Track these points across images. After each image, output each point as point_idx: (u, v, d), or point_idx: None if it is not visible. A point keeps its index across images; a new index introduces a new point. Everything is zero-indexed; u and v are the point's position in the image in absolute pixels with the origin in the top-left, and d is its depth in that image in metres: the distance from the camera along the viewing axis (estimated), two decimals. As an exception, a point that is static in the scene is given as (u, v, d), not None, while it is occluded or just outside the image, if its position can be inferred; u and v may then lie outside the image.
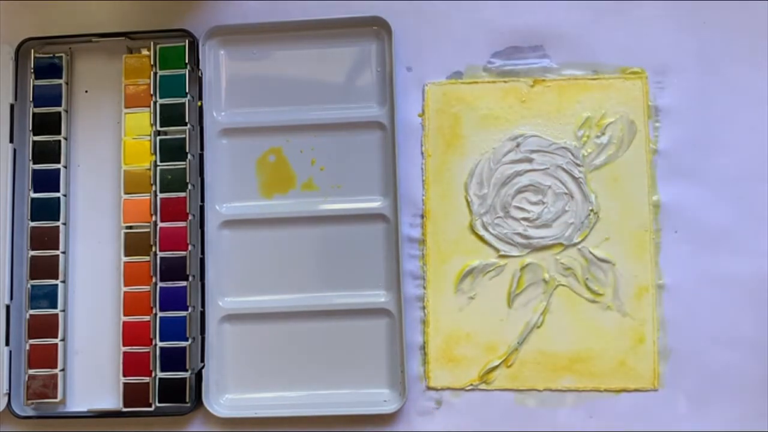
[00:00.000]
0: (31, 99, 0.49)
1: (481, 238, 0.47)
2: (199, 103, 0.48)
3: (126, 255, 0.47)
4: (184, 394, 0.46)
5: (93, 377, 0.48)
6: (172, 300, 0.47)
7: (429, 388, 0.47)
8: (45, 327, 0.47)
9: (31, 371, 0.47)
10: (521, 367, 0.46)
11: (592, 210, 0.47)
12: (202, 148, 0.48)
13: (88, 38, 0.49)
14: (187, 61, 0.48)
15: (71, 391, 0.48)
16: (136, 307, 0.47)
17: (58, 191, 0.48)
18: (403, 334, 0.46)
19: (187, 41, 0.48)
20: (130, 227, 0.48)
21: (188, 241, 0.47)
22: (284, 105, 0.49)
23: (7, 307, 0.47)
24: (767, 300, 0.45)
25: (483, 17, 0.48)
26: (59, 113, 0.49)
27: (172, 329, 0.47)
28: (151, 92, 0.48)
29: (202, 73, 0.48)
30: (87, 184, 0.49)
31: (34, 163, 0.48)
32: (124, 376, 0.47)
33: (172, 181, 0.47)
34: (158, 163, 0.48)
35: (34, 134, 0.48)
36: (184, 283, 0.47)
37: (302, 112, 0.48)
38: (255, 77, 0.49)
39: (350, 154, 0.48)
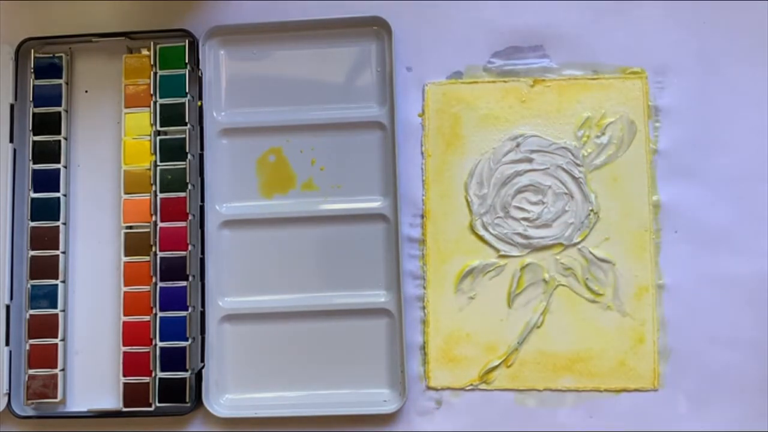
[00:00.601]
0: (31, 99, 0.49)
1: (481, 238, 0.47)
2: (199, 103, 0.48)
3: (126, 255, 0.47)
4: (184, 394, 0.46)
5: (93, 377, 0.48)
6: (172, 300, 0.47)
7: (429, 388, 0.47)
8: (45, 327, 0.47)
9: (31, 371, 0.47)
10: (521, 367, 0.46)
11: (592, 210, 0.47)
12: (202, 148, 0.48)
13: (88, 38, 0.49)
14: (187, 61, 0.48)
15: (71, 391, 0.48)
16: (136, 307, 0.47)
17: (58, 191, 0.48)
18: (403, 334, 0.46)
19: (187, 41, 0.48)
20: (130, 227, 0.48)
21: (188, 241, 0.47)
22: (284, 105, 0.49)
23: (7, 307, 0.47)
24: (767, 300, 0.46)
25: (483, 17, 0.48)
26: (59, 113, 0.49)
27: (172, 329, 0.47)
28: (151, 92, 0.48)
29: (202, 73, 0.48)
30: (87, 184, 0.49)
31: (34, 163, 0.48)
32: (124, 376, 0.47)
33: (172, 181, 0.47)
34: (158, 163, 0.48)
35: (34, 134, 0.48)
36: (184, 283, 0.47)
37: (302, 112, 0.48)
38: (255, 77, 0.49)
39: (350, 154, 0.48)
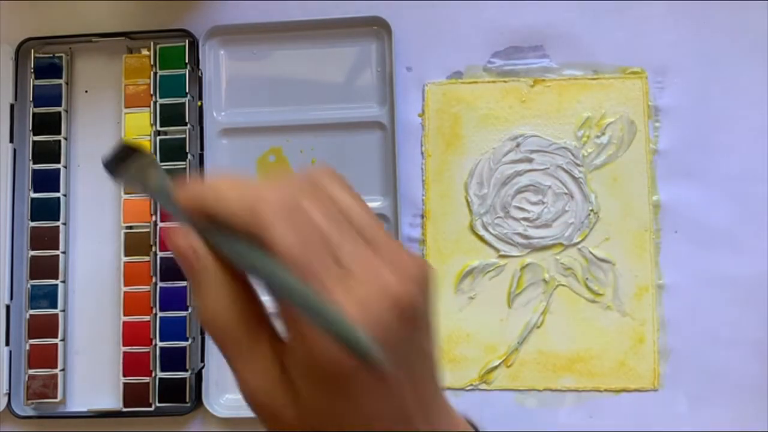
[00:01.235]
0: (31, 99, 0.49)
1: (481, 238, 0.47)
2: (199, 103, 0.48)
3: (126, 255, 0.47)
4: (184, 394, 0.46)
5: (93, 377, 0.48)
6: (172, 300, 0.47)
7: (429, 388, 0.47)
8: (45, 327, 0.47)
9: (31, 371, 0.47)
10: (521, 367, 0.46)
11: (592, 210, 0.47)
12: (202, 148, 0.48)
13: (88, 38, 0.49)
14: (187, 61, 0.48)
15: (71, 391, 0.48)
16: (136, 307, 0.47)
17: (58, 191, 0.48)
18: (403, 334, 0.46)
19: (187, 41, 0.48)
20: (130, 227, 0.47)
21: (188, 241, 0.47)
22: (284, 105, 0.49)
23: (7, 307, 0.47)
24: (767, 300, 0.45)
25: (483, 17, 0.48)
26: (59, 113, 0.49)
27: (172, 329, 0.47)
28: (151, 92, 0.48)
29: (202, 73, 0.48)
30: (87, 184, 0.49)
31: (34, 163, 0.48)
32: (124, 376, 0.47)
33: (172, 181, 0.47)
34: (158, 163, 0.47)
35: (34, 134, 0.48)
36: (184, 283, 0.47)
37: (302, 112, 0.48)
38: (255, 77, 0.49)
39: (350, 154, 0.48)
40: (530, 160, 0.47)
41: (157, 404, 0.46)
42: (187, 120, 0.48)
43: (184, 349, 0.47)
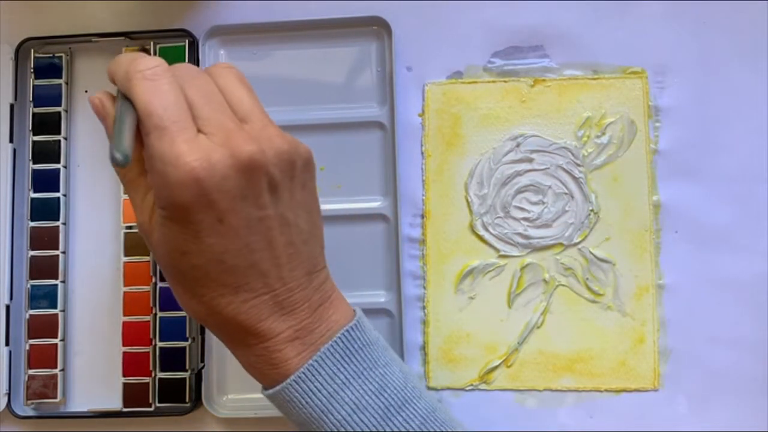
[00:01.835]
0: (30, 99, 0.49)
1: (481, 238, 0.47)
2: (199, 103, 0.48)
3: (126, 255, 0.47)
4: (184, 394, 0.46)
5: (93, 377, 0.48)
6: (172, 300, 0.47)
7: (429, 388, 0.47)
8: (45, 327, 0.47)
9: (31, 371, 0.47)
10: (521, 367, 0.46)
11: (592, 210, 0.47)
12: (202, 148, 0.48)
13: (88, 38, 0.49)
14: (187, 61, 0.48)
15: (71, 391, 0.48)
16: (136, 307, 0.47)
17: (58, 191, 0.48)
18: (403, 334, 0.46)
19: (187, 41, 0.48)
20: (130, 227, 0.47)
21: (188, 241, 0.47)
22: (284, 105, 0.49)
23: (7, 307, 0.47)
24: (767, 300, 0.45)
25: (483, 17, 0.48)
26: (59, 113, 0.49)
27: (172, 329, 0.47)
28: (151, 92, 0.48)
29: (202, 73, 0.48)
30: (87, 184, 0.49)
31: (34, 163, 0.48)
32: (124, 376, 0.47)
33: (172, 181, 0.47)
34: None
35: (34, 134, 0.48)
36: (184, 283, 0.47)
37: (302, 112, 0.48)
38: (255, 77, 0.49)
39: (350, 154, 0.48)
40: (530, 160, 0.47)
41: (157, 404, 0.46)
42: (187, 120, 0.48)
43: (184, 349, 0.47)
